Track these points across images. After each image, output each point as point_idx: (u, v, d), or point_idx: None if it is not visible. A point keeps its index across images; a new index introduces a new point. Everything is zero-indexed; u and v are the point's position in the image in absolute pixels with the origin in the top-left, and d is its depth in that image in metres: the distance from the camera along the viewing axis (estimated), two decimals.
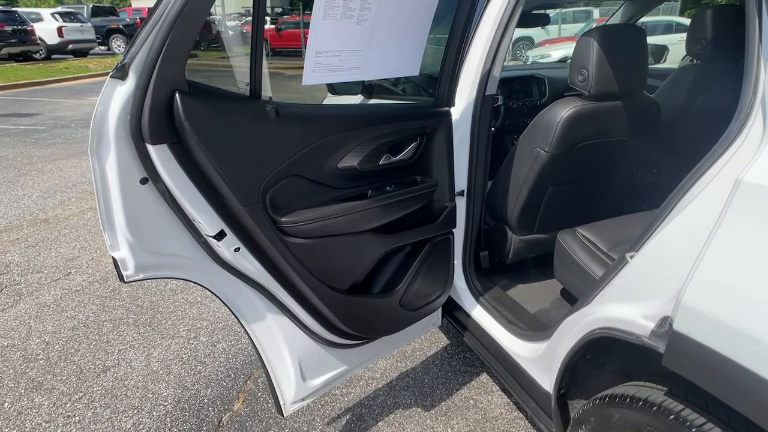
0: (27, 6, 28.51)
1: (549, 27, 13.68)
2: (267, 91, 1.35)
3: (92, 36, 16.06)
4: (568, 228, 1.86)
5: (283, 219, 1.34)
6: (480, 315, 1.91)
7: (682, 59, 3.19)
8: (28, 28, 13.80)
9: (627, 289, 1.10)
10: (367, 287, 1.69)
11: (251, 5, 1.19)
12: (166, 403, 2.09)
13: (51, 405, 2.07)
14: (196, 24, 1.06)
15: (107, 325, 2.63)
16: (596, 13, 14.11)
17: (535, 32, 13.74)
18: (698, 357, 0.86)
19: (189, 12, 1.04)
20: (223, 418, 2.02)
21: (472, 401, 2.10)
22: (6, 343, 2.48)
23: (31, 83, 11.37)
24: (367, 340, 1.78)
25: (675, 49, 4.28)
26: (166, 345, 2.47)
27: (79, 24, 15.44)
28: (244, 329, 1.51)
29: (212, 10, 1.14)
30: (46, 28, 14.59)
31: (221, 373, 2.27)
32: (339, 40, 1.34)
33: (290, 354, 1.59)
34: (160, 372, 2.28)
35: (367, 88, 2.47)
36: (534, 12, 2.99)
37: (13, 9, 15.28)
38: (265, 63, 1.29)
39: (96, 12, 18.32)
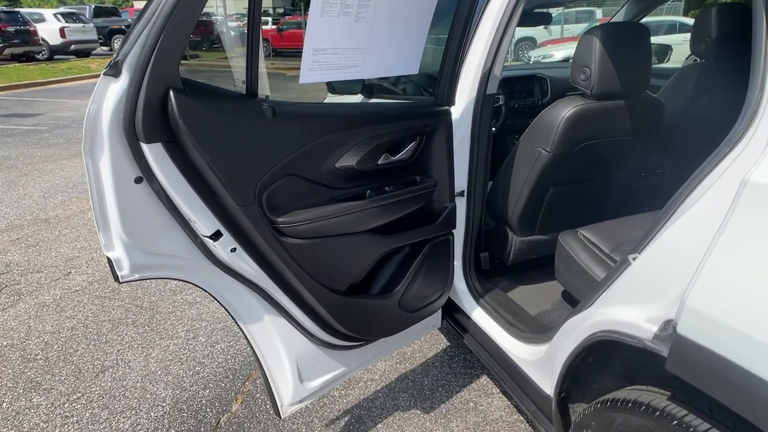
0: (30, 6, 28.61)
1: (551, 27, 13.65)
2: (265, 90, 1.33)
3: (94, 36, 16.10)
4: (569, 229, 1.84)
5: (279, 219, 1.33)
6: (480, 317, 1.89)
7: (686, 59, 3.17)
8: (31, 29, 13.85)
9: (630, 291, 1.08)
10: (366, 288, 1.67)
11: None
12: (164, 404, 2.08)
13: (49, 405, 2.06)
14: (190, 20, 1.05)
15: (106, 325, 2.62)
16: (599, 13, 14.07)
17: (537, 33, 13.72)
18: (702, 361, 0.84)
19: (183, 7, 1.02)
20: (221, 420, 2.00)
21: (472, 404, 2.08)
22: (5, 343, 2.47)
23: (33, 83, 11.40)
24: (366, 342, 1.76)
25: (679, 49, 4.25)
26: (165, 345, 2.46)
27: (81, 24, 15.48)
28: (241, 330, 1.50)
29: (214, 11, 1.12)
30: (49, 28, 14.63)
31: (219, 374, 2.26)
32: (337, 37, 1.33)
33: (287, 355, 1.57)
34: (159, 372, 2.27)
35: (367, 88, 2.45)
36: (536, 11, 2.96)
37: (16, 9, 15.36)
38: (262, 62, 1.27)
39: (98, 12, 18.35)
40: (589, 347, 1.17)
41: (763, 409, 0.77)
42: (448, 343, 2.50)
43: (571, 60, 3.46)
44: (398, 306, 1.70)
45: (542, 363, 1.49)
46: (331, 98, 2.66)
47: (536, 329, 1.68)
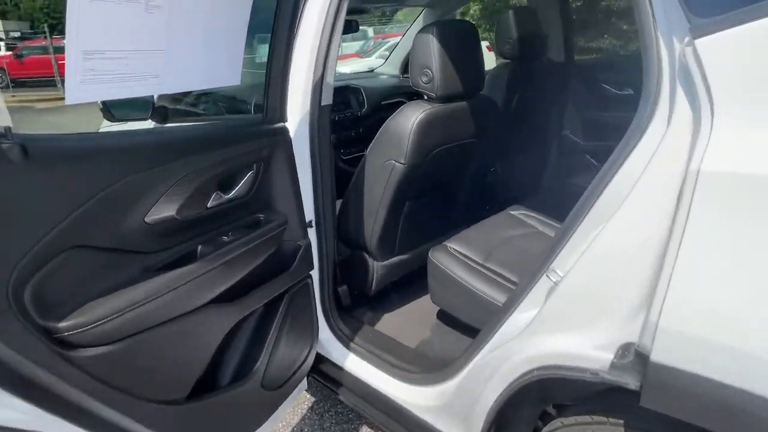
0: None
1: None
2: (4, 121, 0.82)
3: None
4: (429, 242, 1.68)
5: (62, 324, 0.82)
6: (354, 364, 1.60)
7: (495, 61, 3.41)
8: None
9: (562, 315, 0.92)
10: (214, 379, 1.23)
11: None
12: None
13: None
14: None
15: None
16: (370, 31, 15.06)
17: None
18: (697, 392, 0.70)
19: None
20: None
21: None
22: None
23: None
24: None
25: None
26: None
27: None
28: None
29: None
30: None
31: None
32: (121, 34, 0.89)
33: None
34: None
35: (160, 111, 1.93)
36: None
37: None
38: None
39: None
40: (523, 390, 0.98)
41: None
42: (314, 398, 2.14)
43: (375, 69, 3.45)
44: (261, 387, 1.30)
45: (450, 408, 1.27)
46: (109, 128, 2.04)
47: (427, 367, 1.46)
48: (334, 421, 1.99)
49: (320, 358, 1.68)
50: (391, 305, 1.91)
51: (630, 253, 0.80)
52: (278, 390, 1.37)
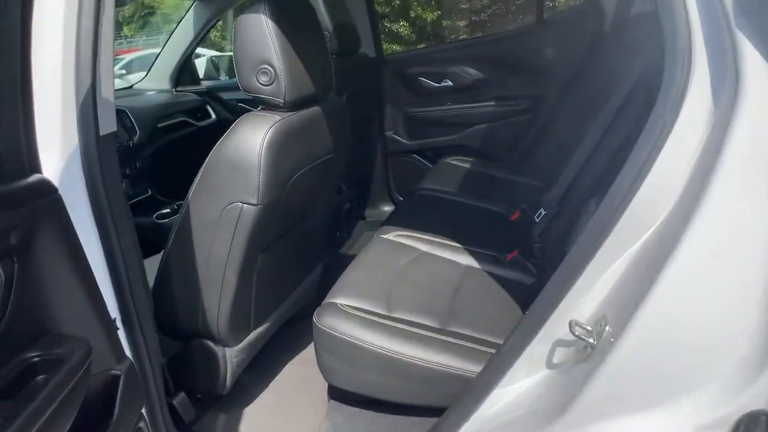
0: None
1: None
2: None
3: None
4: (288, 298, 1.26)
5: None
6: None
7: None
8: None
9: (632, 389, 0.62)
10: None
11: None
12: None
13: None
14: None
15: None
16: None
17: None
18: None
19: None
20: None
21: None
22: None
23: None
24: None
25: None
26: None
27: None
28: None
29: None
30: None
31: None
32: None
33: None
34: None
35: None
36: None
37: None
38: None
39: None
40: None
41: None
42: None
43: (136, 85, 2.69)
44: None
45: None
46: None
47: None
48: None
49: None
50: (257, 390, 1.39)
51: (733, 282, 0.54)
52: None
